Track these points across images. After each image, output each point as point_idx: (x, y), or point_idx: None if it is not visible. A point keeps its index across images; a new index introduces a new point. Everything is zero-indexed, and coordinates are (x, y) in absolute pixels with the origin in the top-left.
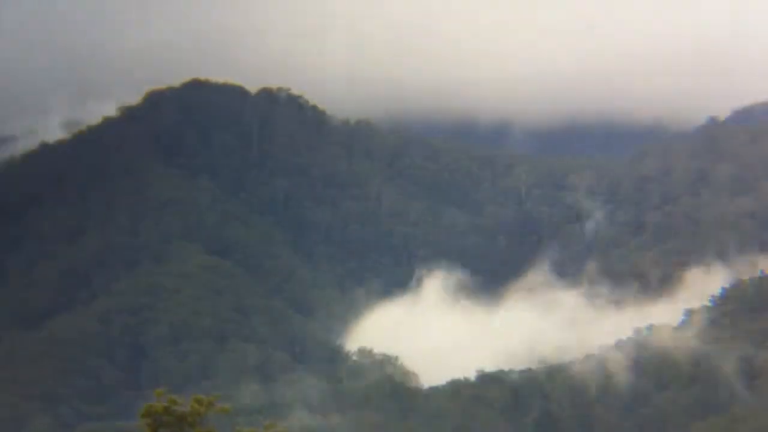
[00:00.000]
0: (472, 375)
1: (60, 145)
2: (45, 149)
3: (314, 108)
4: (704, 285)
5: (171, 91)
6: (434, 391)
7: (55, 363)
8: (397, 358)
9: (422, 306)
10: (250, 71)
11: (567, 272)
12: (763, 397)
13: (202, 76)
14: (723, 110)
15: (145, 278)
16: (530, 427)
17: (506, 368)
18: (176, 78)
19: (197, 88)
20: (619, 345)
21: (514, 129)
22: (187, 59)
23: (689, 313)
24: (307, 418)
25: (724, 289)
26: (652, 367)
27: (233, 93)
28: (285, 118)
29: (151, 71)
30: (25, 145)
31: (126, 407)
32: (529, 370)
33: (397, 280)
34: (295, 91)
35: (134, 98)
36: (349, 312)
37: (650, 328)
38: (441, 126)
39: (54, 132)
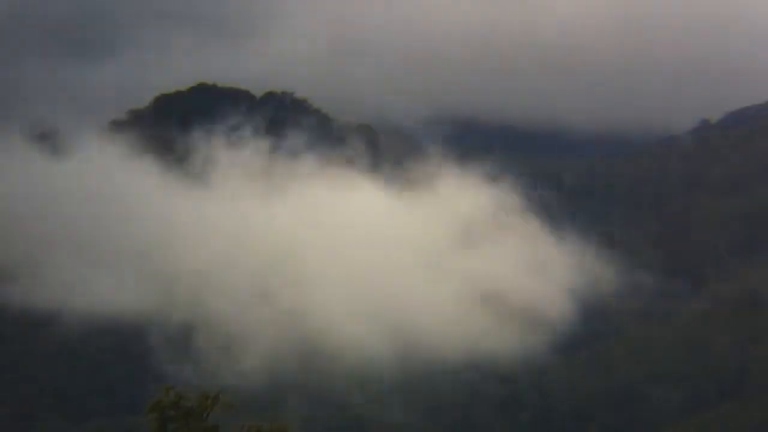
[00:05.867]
0: None
1: None
2: None
3: (318, 111)
4: (696, 285)
5: (178, 95)
6: (433, 387)
7: (64, 360)
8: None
9: None
10: (256, 75)
11: None
12: (757, 393)
13: (209, 80)
14: (716, 112)
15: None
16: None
17: None
18: (183, 82)
19: (204, 92)
20: None
21: (511, 130)
22: (194, 63)
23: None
24: (308, 413)
25: (716, 288)
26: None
27: (239, 97)
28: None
29: (159, 75)
30: None
31: (133, 403)
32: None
33: None
34: (299, 95)
35: (142, 102)
36: None
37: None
38: (440, 127)
39: None
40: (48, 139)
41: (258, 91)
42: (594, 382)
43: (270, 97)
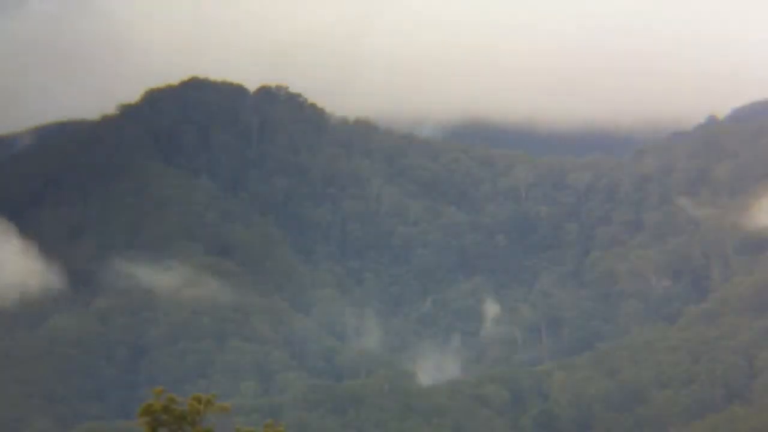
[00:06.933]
0: None
1: (59, 143)
2: (44, 148)
3: (313, 106)
4: (703, 283)
5: (170, 89)
6: (433, 389)
7: (55, 362)
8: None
9: None
10: (249, 69)
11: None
12: (763, 396)
13: (201, 75)
14: (722, 109)
15: (144, 277)
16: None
17: None
18: (175, 76)
19: (196, 86)
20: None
21: (513, 128)
22: (186, 57)
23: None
24: (305, 417)
25: (723, 288)
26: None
27: (232, 91)
28: (284, 116)
29: (150, 69)
30: (24, 144)
31: (125, 406)
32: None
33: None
34: (293, 89)
35: (133, 96)
36: (349, 311)
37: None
38: (441, 125)
39: (52, 131)
40: None
41: (251, 86)
42: (597, 384)
43: (264, 91)
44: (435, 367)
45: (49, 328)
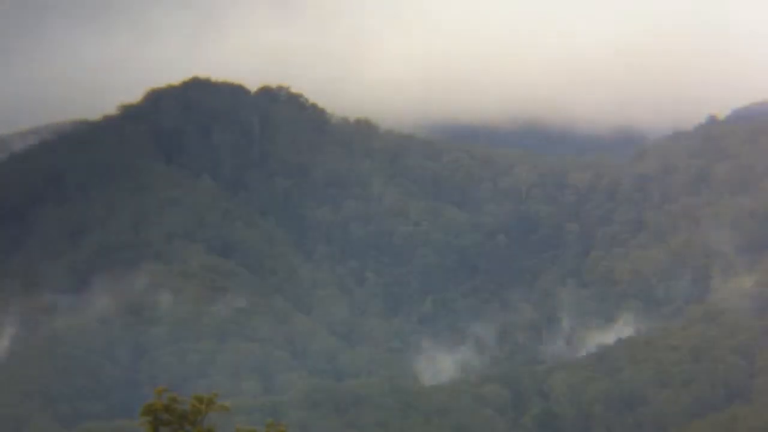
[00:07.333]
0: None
1: (60, 143)
2: (45, 148)
3: (314, 106)
4: (703, 283)
5: (171, 89)
6: (434, 389)
7: (55, 362)
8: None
9: None
10: (250, 69)
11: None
12: (763, 395)
13: (202, 75)
14: (722, 109)
15: (146, 277)
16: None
17: None
18: (176, 77)
19: (197, 86)
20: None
21: (513, 128)
22: (187, 57)
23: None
24: (306, 417)
25: (722, 288)
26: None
27: (233, 91)
28: (285, 116)
29: (151, 69)
30: (26, 143)
31: (126, 405)
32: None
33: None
34: (294, 90)
35: (134, 97)
36: (350, 311)
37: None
38: (441, 125)
39: (54, 131)
40: None
41: (253, 86)
42: (597, 384)
43: (265, 91)
44: (435, 367)
45: (50, 328)
